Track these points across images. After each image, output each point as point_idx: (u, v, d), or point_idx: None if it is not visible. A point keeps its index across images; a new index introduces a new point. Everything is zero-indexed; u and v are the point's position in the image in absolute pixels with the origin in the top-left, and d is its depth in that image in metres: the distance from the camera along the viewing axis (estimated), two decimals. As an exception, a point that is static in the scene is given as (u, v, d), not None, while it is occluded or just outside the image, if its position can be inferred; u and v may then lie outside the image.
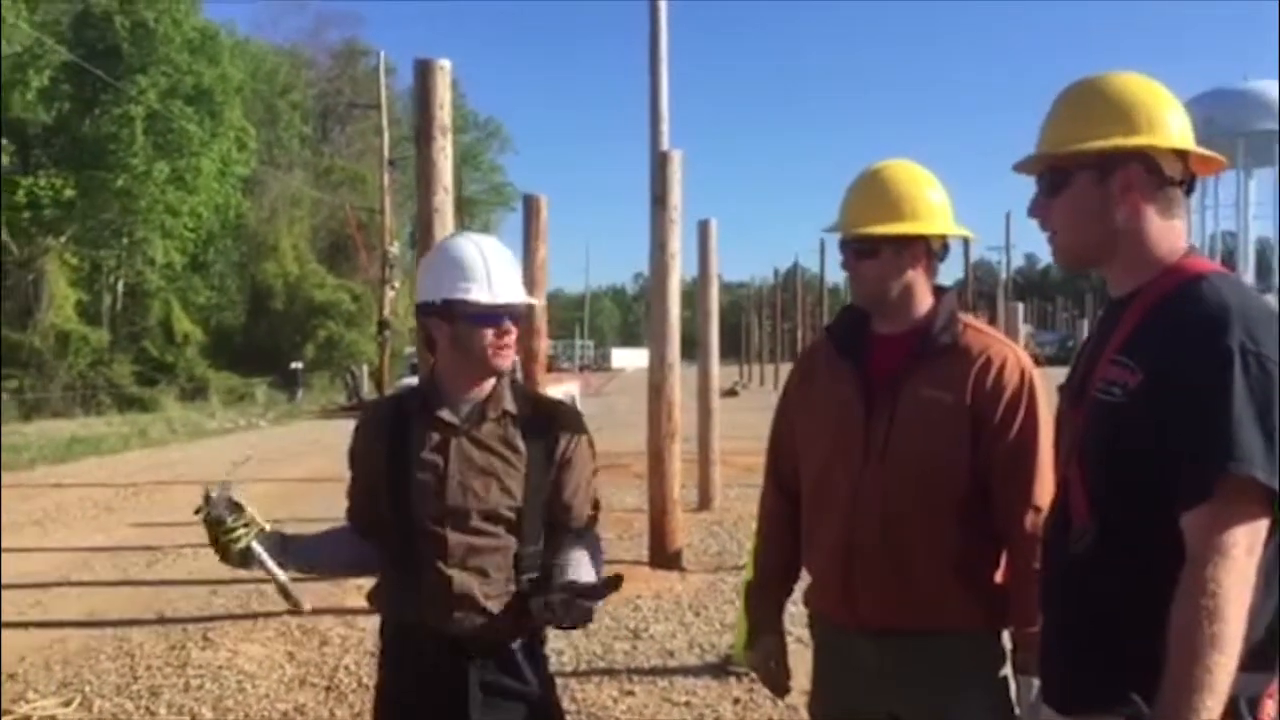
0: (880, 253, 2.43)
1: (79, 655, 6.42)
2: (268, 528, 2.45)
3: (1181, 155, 1.88)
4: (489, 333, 2.47)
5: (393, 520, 2.50)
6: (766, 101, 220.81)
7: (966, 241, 31.64)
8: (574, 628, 2.35)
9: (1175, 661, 1.61)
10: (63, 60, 35.52)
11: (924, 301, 2.47)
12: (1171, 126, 1.86)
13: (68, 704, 5.56)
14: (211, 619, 7.27)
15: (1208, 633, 1.59)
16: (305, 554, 2.57)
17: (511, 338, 2.51)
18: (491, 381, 2.55)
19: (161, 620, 7.28)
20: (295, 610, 2.52)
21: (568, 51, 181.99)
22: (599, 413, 27.28)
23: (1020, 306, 13.15)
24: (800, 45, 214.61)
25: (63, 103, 37.52)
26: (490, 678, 2.47)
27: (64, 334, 36.45)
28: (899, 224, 2.42)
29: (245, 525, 2.42)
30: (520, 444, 2.52)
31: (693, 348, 12.65)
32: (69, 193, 36.27)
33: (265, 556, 2.42)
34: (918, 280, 2.46)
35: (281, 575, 2.44)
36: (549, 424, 2.58)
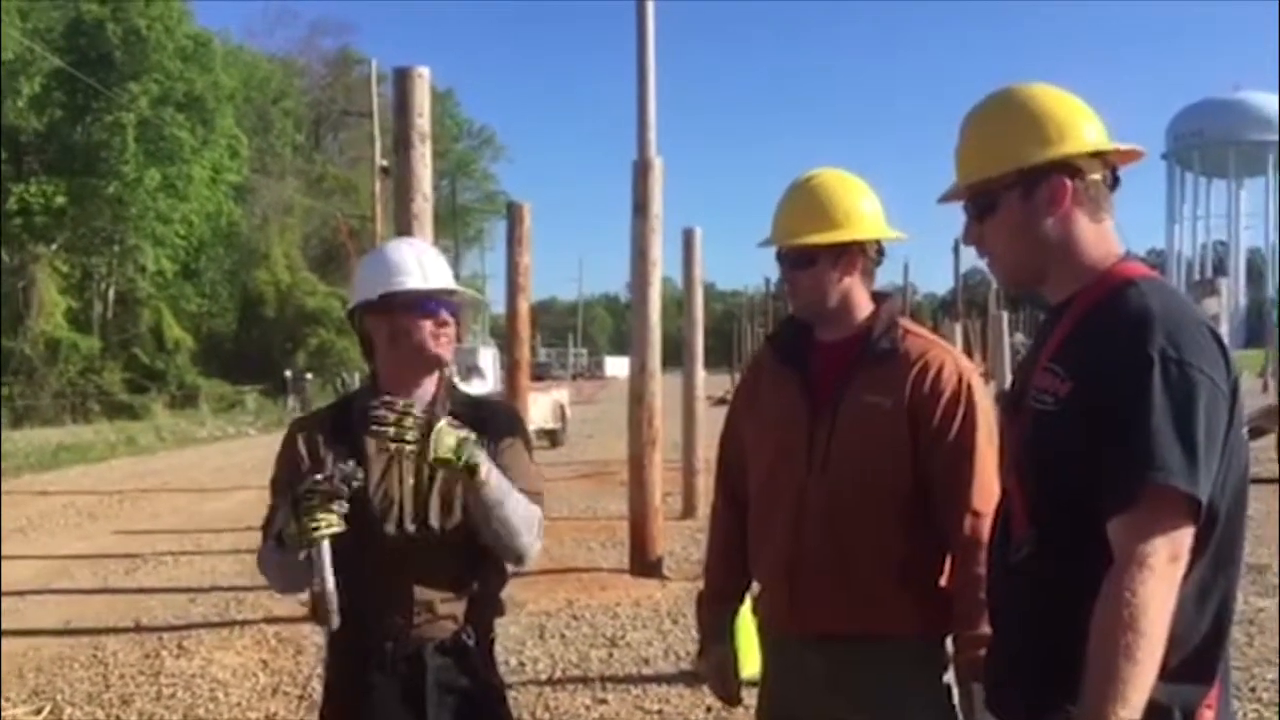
0: (816, 262, 2.44)
1: (52, 663, 6.40)
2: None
3: (1099, 154, 1.88)
4: (427, 323, 2.47)
5: (348, 531, 2.47)
6: (761, 112, 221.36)
7: (957, 250, 31.38)
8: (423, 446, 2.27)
9: (1091, 670, 1.61)
10: (54, 67, 35.52)
11: (863, 308, 2.48)
12: (1084, 130, 1.86)
13: (38, 712, 5.54)
14: (188, 627, 7.25)
15: (1122, 642, 1.58)
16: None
17: (450, 329, 2.51)
18: (434, 382, 2.55)
19: (138, 628, 7.26)
20: (325, 623, 2.33)
21: (563, 61, 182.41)
22: (591, 420, 27.33)
23: (1005, 315, 13.15)
24: (794, 56, 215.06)
25: (54, 110, 37.50)
26: (447, 677, 2.47)
27: (54, 341, 36.38)
28: (833, 232, 2.42)
29: (336, 518, 2.24)
30: None
31: (680, 355, 12.69)
32: (60, 200, 36.27)
33: (327, 556, 2.23)
34: (855, 287, 2.46)
35: (330, 585, 2.23)
36: (490, 424, 2.57)
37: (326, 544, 2.24)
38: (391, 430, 2.28)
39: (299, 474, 2.46)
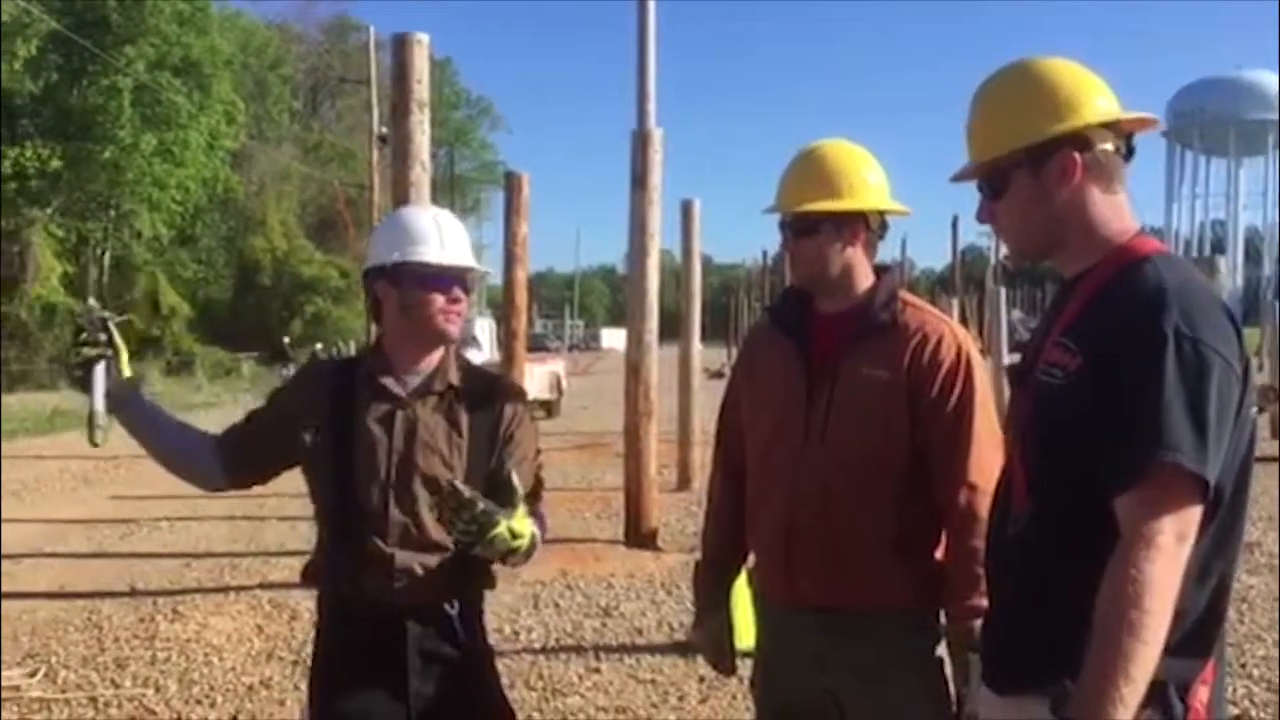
0: (819, 231, 2.42)
1: (47, 627, 6.42)
2: (126, 371, 2.46)
3: (1112, 124, 1.86)
4: (439, 297, 2.44)
5: (333, 492, 2.49)
6: (762, 84, 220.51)
7: (955, 226, 31.31)
8: (473, 544, 2.26)
9: (1096, 647, 1.60)
10: (50, 30, 35.20)
11: (864, 279, 2.47)
12: (1093, 101, 1.85)
13: (33, 675, 5.55)
14: (183, 592, 7.28)
15: (1127, 619, 1.58)
16: (143, 415, 2.53)
17: (461, 305, 2.48)
18: (439, 353, 2.53)
19: (132, 593, 7.28)
20: (90, 442, 2.50)
21: (561, 32, 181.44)
22: (586, 392, 27.33)
23: (1003, 291, 13.12)
24: (797, 29, 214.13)
25: (50, 73, 37.18)
26: (429, 645, 2.47)
27: (50, 306, 36.20)
28: (837, 201, 2.41)
29: (102, 348, 2.44)
30: (464, 418, 2.51)
31: (678, 328, 12.69)
32: (55, 164, 36.00)
33: (98, 382, 2.45)
34: (857, 258, 2.45)
35: (99, 405, 2.44)
36: (492, 399, 2.56)
37: (98, 370, 2.45)
38: (448, 517, 2.25)
39: (290, 409, 2.55)
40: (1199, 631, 1.72)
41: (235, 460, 2.56)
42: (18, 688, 5.38)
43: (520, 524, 2.28)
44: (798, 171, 2.48)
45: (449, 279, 2.45)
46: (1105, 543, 1.64)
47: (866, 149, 2.53)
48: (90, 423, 2.44)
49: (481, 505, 2.21)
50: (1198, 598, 1.71)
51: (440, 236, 2.46)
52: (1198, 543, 1.66)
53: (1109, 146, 1.85)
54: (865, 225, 2.45)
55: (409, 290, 2.45)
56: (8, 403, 25.26)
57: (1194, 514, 1.63)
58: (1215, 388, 1.64)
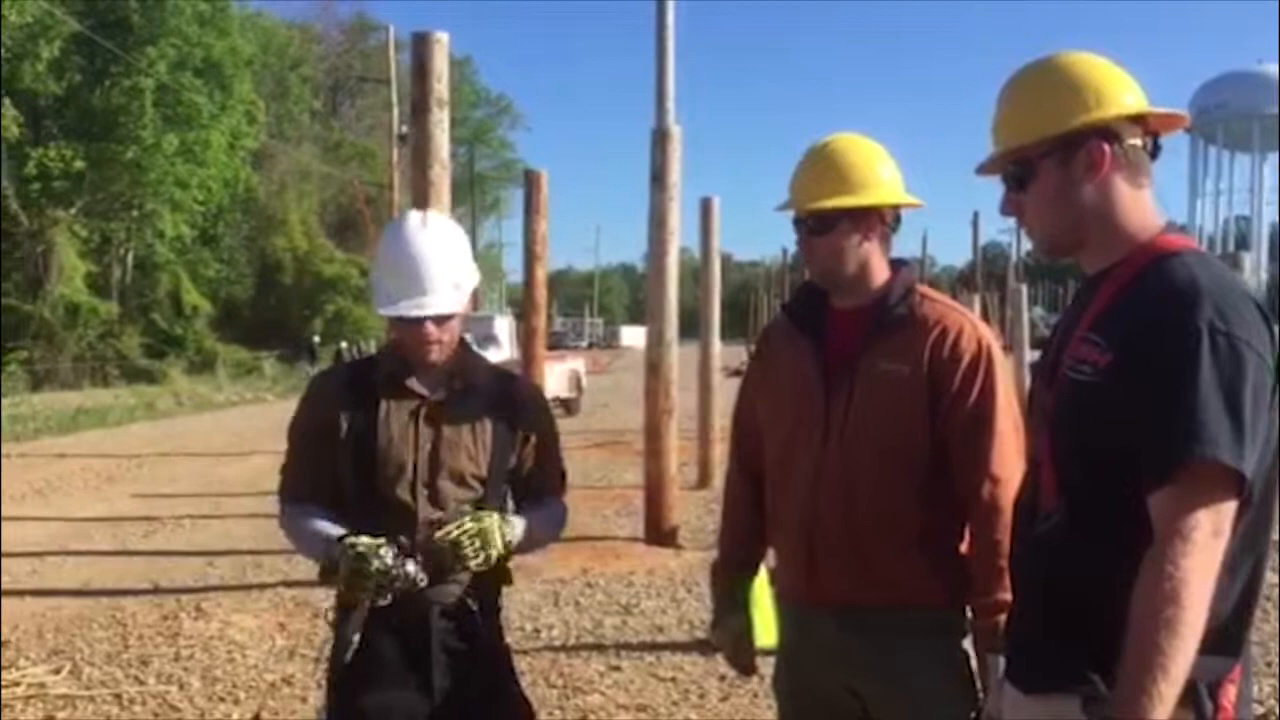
0: (834, 227, 2.41)
1: (71, 624, 6.47)
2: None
3: (1140, 120, 1.85)
4: (412, 334, 2.48)
5: (358, 491, 2.50)
6: (779, 82, 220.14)
7: (975, 222, 31.20)
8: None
9: (1132, 644, 1.59)
10: (73, 31, 35.44)
11: (880, 274, 2.45)
12: (1122, 95, 1.84)
13: (57, 671, 5.60)
14: (206, 589, 7.32)
15: (1164, 616, 1.56)
16: None
17: (441, 332, 2.48)
18: (457, 353, 2.57)
19: (156, 590, 7.33)
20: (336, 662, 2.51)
21: (580, 30, 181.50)
22: (605, 389, 27.36)
23: (1024, 288, 13.07)
24: (814, 25, 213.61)
25: (73, 74, 37.44)
26: (451, 641, 2.50)
27: (73, 305, 36.47)
28: (851, 197, 2.40)
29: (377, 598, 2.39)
30: (486, 416, 2.54)
31: (697, 326, 12.68)
32: (78, 164, 36.25)
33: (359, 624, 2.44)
34: (873, 253, 2.44)
35: (354, 643, 2.44)
36: (511, 398, 2.60)
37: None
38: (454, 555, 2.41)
39: (320, 429, 2.53)
40: (1229, 630, 1.71)
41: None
42: (43, 684, 5.43)
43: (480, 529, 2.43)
44: (810, 168, 2.46)
45: (421, 320, 2.45)
46: (1138, 539, 1.63)
47: (884, 145, 2.52)
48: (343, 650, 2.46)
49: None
50: (1229, 595, 1.70)
51: (408, 281, 2.43)
52: (1230, 538, 1.64)
53: (1137, 141, 1.84)
54: (880, 220, 2.43)
55: (393, 322, 2.52)
56: (32, 402, 25.48)
57: (1230, 509, 1.62)
58: (1250, 383, 1.62)
